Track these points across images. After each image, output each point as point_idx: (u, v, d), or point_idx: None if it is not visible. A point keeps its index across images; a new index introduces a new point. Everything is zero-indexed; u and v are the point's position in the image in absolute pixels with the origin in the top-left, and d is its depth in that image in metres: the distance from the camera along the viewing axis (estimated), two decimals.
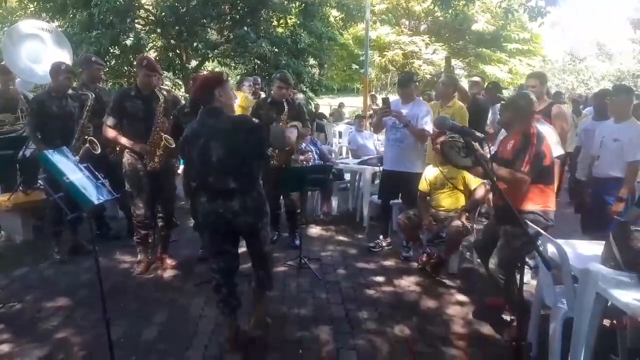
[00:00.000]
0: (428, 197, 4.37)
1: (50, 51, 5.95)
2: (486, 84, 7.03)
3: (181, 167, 5.16)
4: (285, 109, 4.52)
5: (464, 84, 7.81)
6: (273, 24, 12.25)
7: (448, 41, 20.60)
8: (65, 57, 5.93)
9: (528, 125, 3.10)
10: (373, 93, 15.91)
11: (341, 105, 17.37)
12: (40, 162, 2.80)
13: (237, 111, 4.91)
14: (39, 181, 5.11)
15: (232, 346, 2.87)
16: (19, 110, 5.07)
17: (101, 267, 2.56)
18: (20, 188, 4.94)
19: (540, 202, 3.10)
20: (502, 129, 3.75)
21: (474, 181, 4.12)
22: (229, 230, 2.81)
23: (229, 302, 2.88)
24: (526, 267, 3.36)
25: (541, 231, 2.57)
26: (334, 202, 6.38)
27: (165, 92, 4.15)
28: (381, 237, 4.91)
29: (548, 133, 3.40)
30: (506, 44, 19.81)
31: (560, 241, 2.58)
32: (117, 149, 4.25)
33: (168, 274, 4.13)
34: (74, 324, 3.19)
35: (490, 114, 5.89)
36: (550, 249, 2.61)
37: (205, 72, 12.35)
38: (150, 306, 3.48)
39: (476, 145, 2.73)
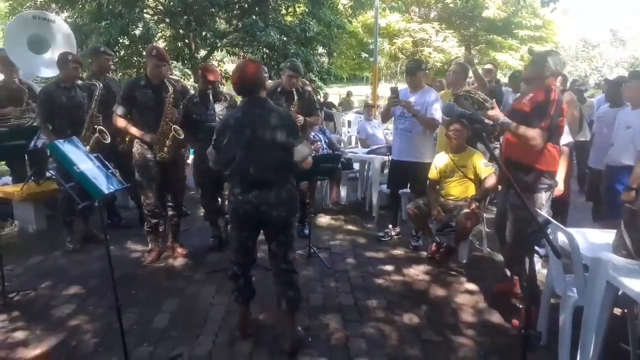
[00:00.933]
0: (437, 186, 4.34)
1: (52, 41, 5.93)
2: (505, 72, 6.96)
3: (191, 157, 5.18)
4: (296, 99, 4.51)
5: None
6: (281, 12, 12.16)
7: (458, 28, 20.38)
8: (68, 46, 5.91)
9: (550, 84, 3.08)
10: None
11: (350, 94, 17.27)
12: (51, 152, 2.81)
13: None
14: (50, 171, 5.16)
15: (242, 334, 2.91)
16: (25, 102, 5.09)
17: (112, 256, 2.60)
18: (32, 178, 4.99)
19: (550, 163, 3.11)
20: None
21: (484, 170, 4.09)
22: (258, 224, 2.77)
23: (244, 291, 2.91)
24: (536, 255, 3.34)
25: (551, 219, 2.55)
26: (343, 192, 6.38)
27: (174, 82, 4.15)
28: (390, 226, 4.90)
29: None
30: (517, 31, 19.55)
31: (571, 229, 2.56)
32: (127, 139, 4.28)
33: (179, 262, 4.17)
34: (86, 312, 3.23)
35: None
36: (561, 238, 2.60)
37: (211, 62, 12.35)
38: (161, 294, 3.52)
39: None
